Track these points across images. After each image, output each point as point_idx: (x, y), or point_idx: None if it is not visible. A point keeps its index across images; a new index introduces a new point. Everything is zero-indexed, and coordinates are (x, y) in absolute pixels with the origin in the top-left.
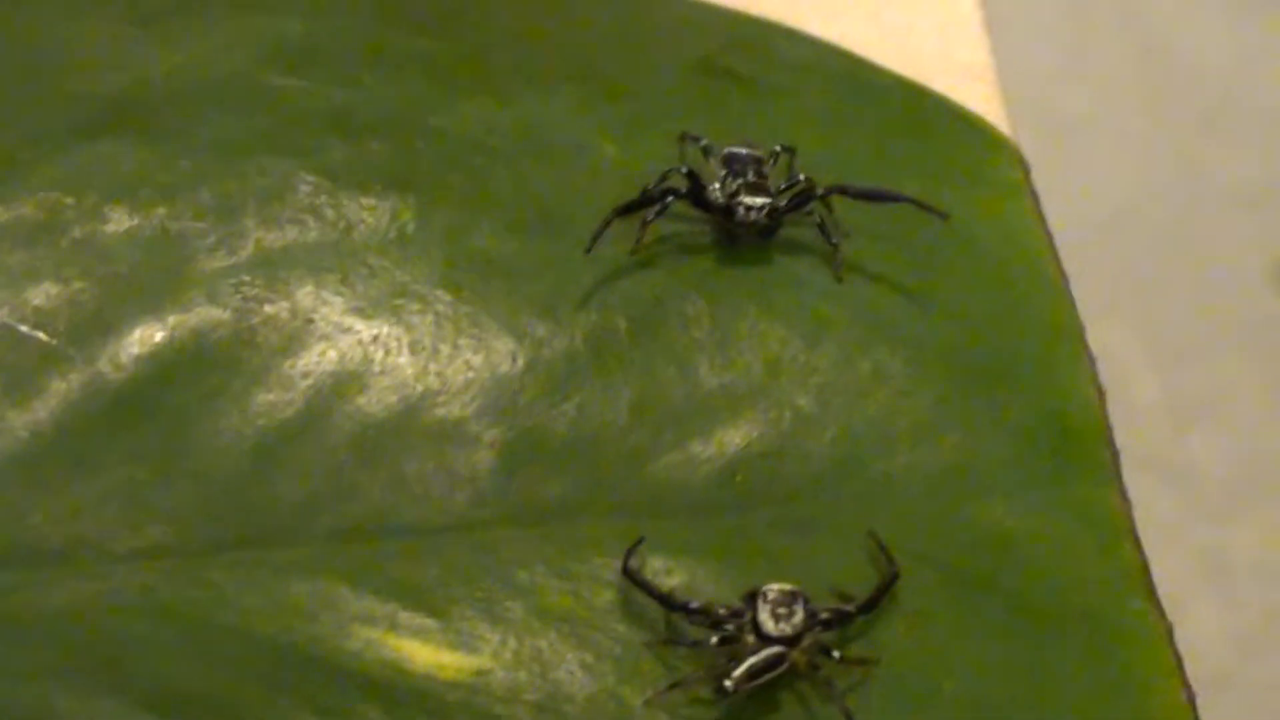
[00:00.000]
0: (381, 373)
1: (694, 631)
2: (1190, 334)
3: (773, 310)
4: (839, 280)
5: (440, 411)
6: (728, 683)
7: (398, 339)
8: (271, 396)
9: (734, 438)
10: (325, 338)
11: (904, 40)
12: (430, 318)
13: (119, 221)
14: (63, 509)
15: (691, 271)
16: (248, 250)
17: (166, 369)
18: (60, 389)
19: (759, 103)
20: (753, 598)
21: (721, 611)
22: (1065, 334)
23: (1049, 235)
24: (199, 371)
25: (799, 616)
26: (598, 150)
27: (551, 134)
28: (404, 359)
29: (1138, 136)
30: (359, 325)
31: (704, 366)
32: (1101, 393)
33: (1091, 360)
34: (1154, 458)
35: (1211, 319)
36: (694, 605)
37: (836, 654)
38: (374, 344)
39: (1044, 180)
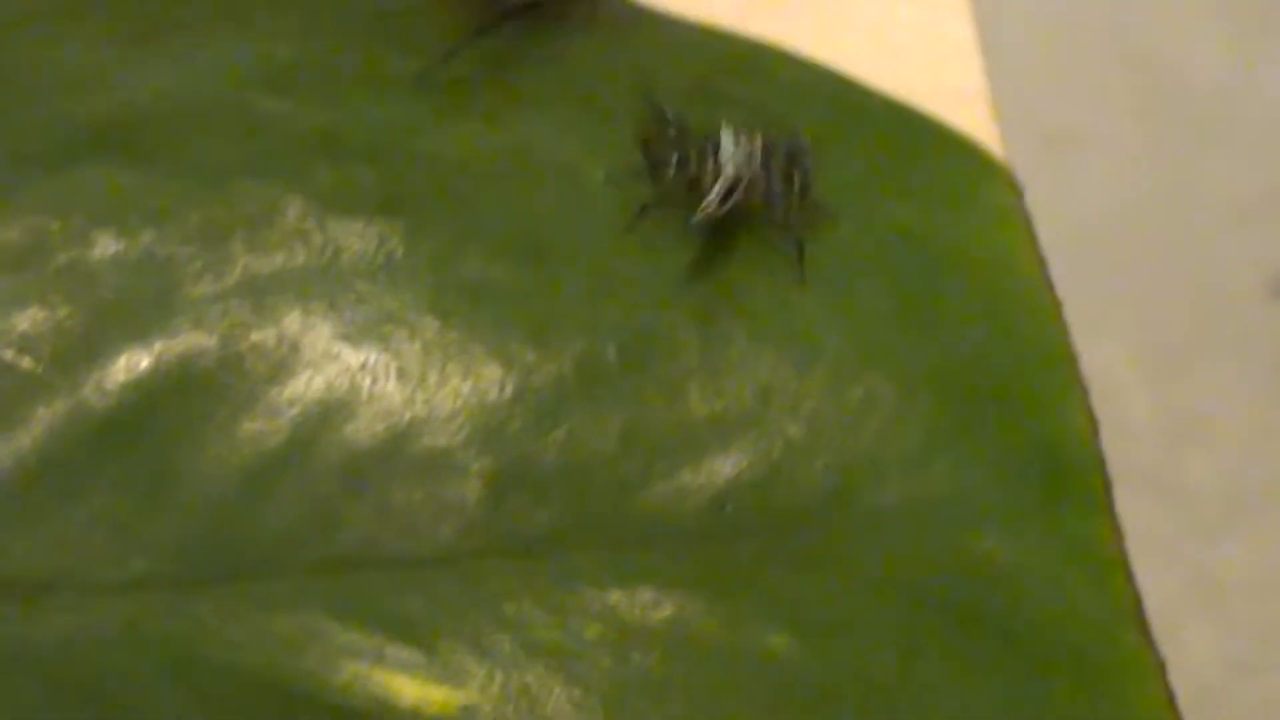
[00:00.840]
0: (369, 401)
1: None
2: (1184, 350)
3: (763, 336)
4: (801, 284)
5: (428, 440)
6: (706, 201)
7: (385, 366)
8: (258, 425)
9: (724, 467)
10: (312, 365)
11: (899, 62)
12: (418, 345)
13: (105, 246)
14: (46, 540)
15: (681, 298)
16: (235, 276)
17: (152, 396)
18: (44, 416)
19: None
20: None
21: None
22: (1058, 361)
23: (1042, 261)
24: (185, 399)
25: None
26: (588, 173)
27: (541, 156)
28: (391, 387)
29: (1132, 152)
30: (346, 352)
31: (694, 394)
32: (1094, 422)
33: (1084, 389)
34: (1147, 475)
35: (1206, 334)
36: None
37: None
38: (361, 371)
39: (1037, 196)
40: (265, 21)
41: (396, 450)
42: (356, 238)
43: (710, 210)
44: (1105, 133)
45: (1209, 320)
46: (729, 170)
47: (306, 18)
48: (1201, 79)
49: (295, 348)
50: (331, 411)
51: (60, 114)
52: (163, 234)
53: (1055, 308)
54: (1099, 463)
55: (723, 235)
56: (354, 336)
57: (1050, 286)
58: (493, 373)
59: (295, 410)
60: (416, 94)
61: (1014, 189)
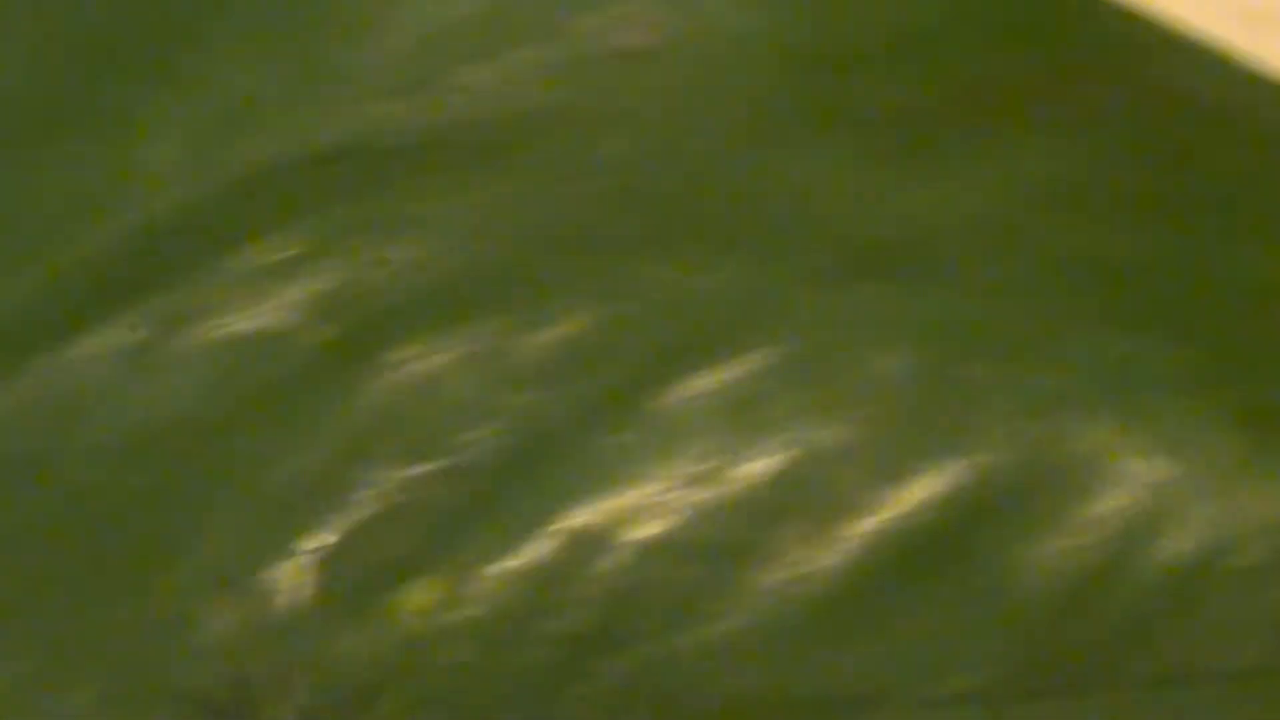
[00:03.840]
0: (1178, 518)
1: None
2: None
3: None
4: None
5: (1237, 558)
6: None
7: (1194, 482)
8: (1070, 542)
9: None
10: (1116, 483)
11: None
12: (1225, 460)
13: (888, 363)
14: (873, 657)
15: None
16: (1029, 394)
17: (960, 514)
18: (854, 535)
19: None
20: None
21: None
22: None
23: None
24: (994, 516)
25: None
26: None
27: None
28: (1202, 503)
29: None
30: (1149, 469)
31: None
32: None
33: None
34: None
35: None
36: None
37: None
38: (1168, 487)
39: None
40: (1014, 141)
41: (1210, 566)
42: (1148, 354)
43: None
44: None
45: None
46: None
47: (1054, 137)
48: None
49: (1097, 466)
50: (1140, 529)
51: (839, 234)
52: (949, 352)
53: None
54: None
55: None
56: (1157, 453)
57: None
58: None
59: (1108, 526)
60: (1180, 216)
61: None
